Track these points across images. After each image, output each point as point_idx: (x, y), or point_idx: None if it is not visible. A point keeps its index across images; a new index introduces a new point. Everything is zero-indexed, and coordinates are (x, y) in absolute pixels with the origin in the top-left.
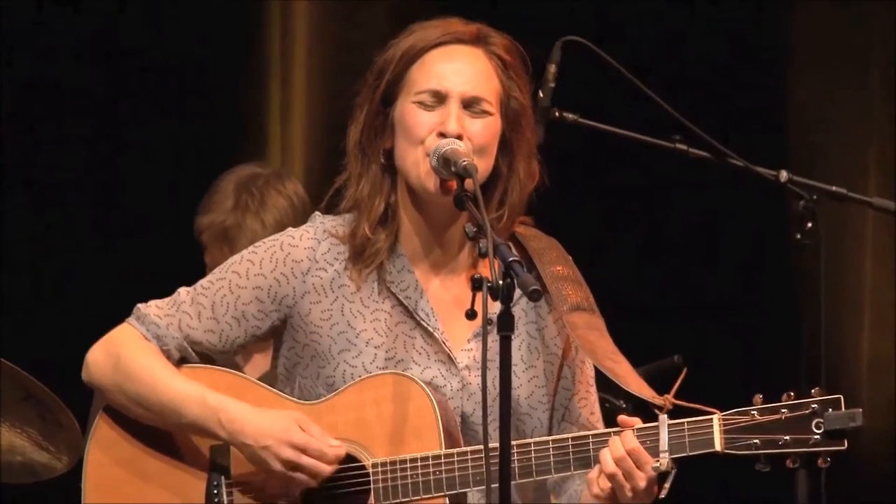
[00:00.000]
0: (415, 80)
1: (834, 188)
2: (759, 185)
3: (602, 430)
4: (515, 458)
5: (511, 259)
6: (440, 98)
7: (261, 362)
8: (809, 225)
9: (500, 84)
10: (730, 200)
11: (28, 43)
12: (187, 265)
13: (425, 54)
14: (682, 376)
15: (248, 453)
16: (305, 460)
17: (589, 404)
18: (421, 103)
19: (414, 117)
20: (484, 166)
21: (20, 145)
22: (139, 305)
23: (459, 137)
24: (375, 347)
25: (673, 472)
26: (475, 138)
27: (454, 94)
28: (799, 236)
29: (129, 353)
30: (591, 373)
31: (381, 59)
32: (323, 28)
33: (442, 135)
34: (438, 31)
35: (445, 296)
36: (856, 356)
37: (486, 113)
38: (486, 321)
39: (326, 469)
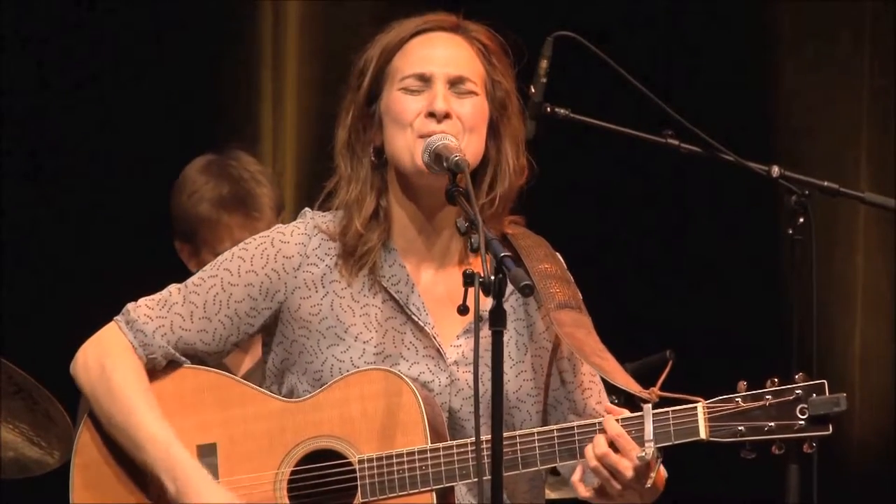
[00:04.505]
0: (398, 69)
1: (826, 183)
2: (750, 180)
3: (585, 420)
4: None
5: (503, 254)
6: (425, 81)
7: (247, 362)
8: (801, 220)
9: (483, 68)
10: (720, 195)
11: (23, 41)
12: (181, 260)
13: (406, 44)
14: (667, 368)
15: None
16: None
17: (594, 394)
18: (406, 89)
19: (401, 103)
20: (474, 148)
21: (19, 142)
22: (129, 306)
23: (448, 116)
24: (364, 342)
25: (659, 461)
26: (465, 119)
27: (439, 75)
28: (791, 231)
29: (112, 368)
30: None
31: (362, 58)
32: (314, 17)
33: (431, 114)
34: (417, 21)
35: (436, 290)
36: (848, 350)
37: (472, 93)
38: (478, 316)
39: None
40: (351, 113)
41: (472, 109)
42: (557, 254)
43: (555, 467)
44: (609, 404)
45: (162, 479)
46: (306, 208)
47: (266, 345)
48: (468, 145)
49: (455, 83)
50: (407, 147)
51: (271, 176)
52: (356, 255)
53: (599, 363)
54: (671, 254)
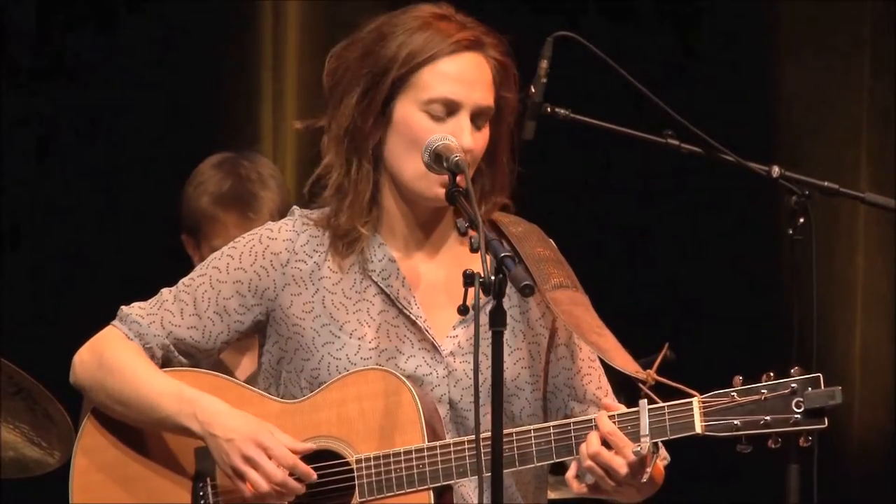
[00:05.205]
0: (425, 86)
1: (826, 183)
2: (751, 180)
3: (581, 417)
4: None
5: (503, 254)
6: (451, 109)
7: (248, 365)
8: (801, 220)
9: (496, 88)
10: (720, 195)
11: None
12: (180, 262)
13: (436, 61)
14: (662, 352)
15: (213, 445)
16: (265, 461)
17: (594, 379)
18: (430, 113)
19: (422, 128)
20: (473, 169)
21: (19, 142)
22: (122, 307)
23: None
24: (359, 338)
25: (655, 456)
26: (477, 152)
27: (467, 106)
28: (791, 231)
29: (111, 352)
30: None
31: (380, 53)
32: (314, 17)
33: None
34: (440, 36)
35: (428, 282)
36: (848, 350)
37: (486, 124)
38: (479, 318)
39: (279, 475)
40: (361, 104)
41: (484, 142)
42: (550, 240)
43: (557, 467)
44: (605, 400)
45: (184, 424)
46: (295, 206)
47: (261, 346)
48: (472, 170)
49: (477, 116)
50: (419, 176)
51: (283, 183)
52: (346, 239)
53: (597, 341)
54: (671, 253)
